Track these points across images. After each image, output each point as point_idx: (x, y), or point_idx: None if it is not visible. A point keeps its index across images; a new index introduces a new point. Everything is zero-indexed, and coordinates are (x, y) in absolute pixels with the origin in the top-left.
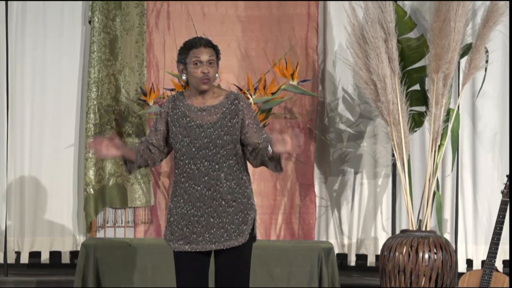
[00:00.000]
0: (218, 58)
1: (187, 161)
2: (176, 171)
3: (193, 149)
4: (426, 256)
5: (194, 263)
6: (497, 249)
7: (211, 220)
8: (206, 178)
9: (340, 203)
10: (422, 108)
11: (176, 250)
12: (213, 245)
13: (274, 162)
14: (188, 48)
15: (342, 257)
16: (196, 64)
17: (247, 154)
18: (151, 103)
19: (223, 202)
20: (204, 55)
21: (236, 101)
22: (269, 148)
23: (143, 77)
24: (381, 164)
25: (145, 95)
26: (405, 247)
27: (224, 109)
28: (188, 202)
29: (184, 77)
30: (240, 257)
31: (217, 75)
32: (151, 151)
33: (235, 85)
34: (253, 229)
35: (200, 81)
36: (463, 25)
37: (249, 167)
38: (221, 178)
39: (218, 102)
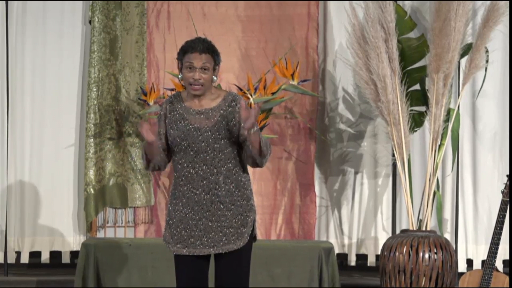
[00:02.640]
0: (216, 63)
1: (185, 165)
2: (175, 174)
3: (191, 153)
4: (426, 256)
5: (193, 266)
6: (497, 249)
7: (210, 224)
8: (204, 182)
9: (340, 203)
10: (422, 108)
11: (174, 253)
12: (211, 249)
13: (254, 149)
14: (184, 51)
15: (342, 257)
16: (189, 68)
17: (242, 154)
18: (151, 103)
19: (222, 206)
20: (198, 61)
21: (233, 103)
22: (242, 130)
23: (143, 77)
24: (381, 164)
25: (145, 95)
26: (405, 247)
27: (222, 111)
28: (187, 205)
29: (180, 76)
30: (240, 259)
31: (214, 78)
32: (161, 155)
33: (235, 85)
34: (253, 230)
35: (190, 87)
36: (463, 25)
37: (249, 167)
38: (219, 181)
39: (216, 104)
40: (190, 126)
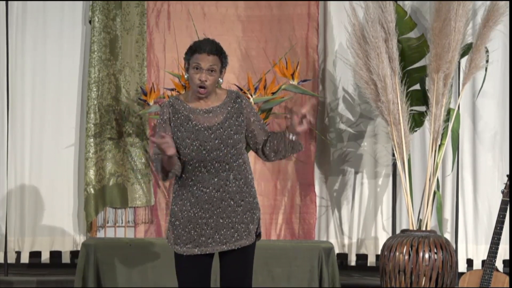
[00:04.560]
0: (223, 65)
1: (196, 165)
2: (184, 175)
3: (204, 152)
4: (427, 256)
5: (198, 265)
6: (497, 248)
7: (220, 221)
8: (215, 179)
9: (340, 203)
10: (422, 108)
11: (185, 254)
12: (224, 246)
13: (292, 145)
14: (193, 51)
15: (343, 257)
16: (196, 69)
17: (259, 152)
18: (151, 103)
19: (232, 202)
20: (205, 62)
21: (239, 100)
22: (287, 134)
23: (143, 77)
24: (381, 164)
25: (145, 95)
26: (405, 247)
27: (229, 108)
28: (196, 205)
29: (186, 76)
30: (247, 256)
31: (220, 80)
32: (178, 162)
33: (235, 85)
34: (258, 227)
35: (197, 88)
36: (464, 24)
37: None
38: (230, 178)
39: (221, 102)
40: (200, 126)
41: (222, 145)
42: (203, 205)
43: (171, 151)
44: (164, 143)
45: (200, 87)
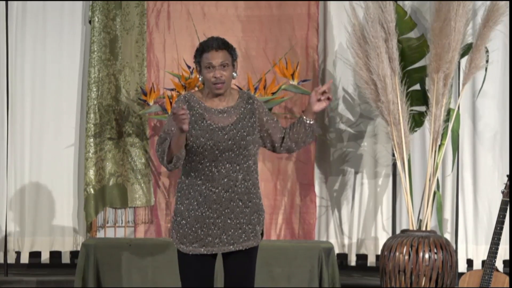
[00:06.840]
0: (233, 58)
1: (207, 164)
2: (192, 174)
3: (216, 152)
4: (427, 256)
5: (202, 265)
6: (497, 249)
7: (228, 221)
8: (225, 180)
9: (340, 203)
10: (422, 108)
11: (190, 253)
12: (231, 246)
13: (311, 129)
14: (201, 51)
15: (343, 257)
16: (208, 68)
17: (278, 149)
18: (151, 103)
19: (240, 203)
20: (216, 59)
21: (251, 100)
22: (305, 119)
23: (143, 77)
24: (381, 164)
25: (145, 95)
26: (405, 247)
27: (242, 109)
28: (203, 204)
29: (200, 79)
30: (251, 257)
31: (234, 74)
32: (182, 151)
33: (235, 85)
34: (262, 228)
35: (213, 86)
36: (464, 25)
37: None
38: (239, 179)
39: (235, 102)
40: (214, 126)
41: (235, 146)
42: (211, 205)
43: (186, 127)
44: (183, 115)
45: (217, 83)
